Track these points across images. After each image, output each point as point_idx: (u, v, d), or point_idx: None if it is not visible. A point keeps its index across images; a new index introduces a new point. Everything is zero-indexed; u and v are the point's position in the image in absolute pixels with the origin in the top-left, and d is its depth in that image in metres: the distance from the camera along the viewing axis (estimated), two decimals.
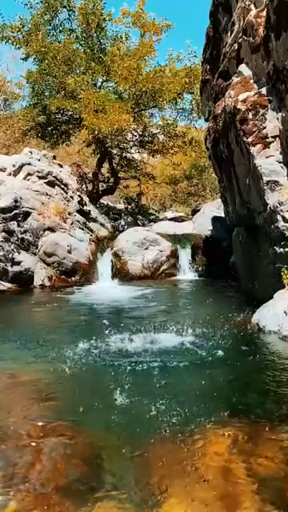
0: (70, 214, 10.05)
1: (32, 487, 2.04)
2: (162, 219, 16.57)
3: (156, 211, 20.38)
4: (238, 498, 1.97)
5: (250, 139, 5.76)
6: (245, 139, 5.83)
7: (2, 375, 3.55)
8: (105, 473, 2.19)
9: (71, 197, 10.59)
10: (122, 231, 11.60)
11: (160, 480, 2.10)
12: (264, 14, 5.77)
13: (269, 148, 5.64)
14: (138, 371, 3.59)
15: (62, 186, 10.39)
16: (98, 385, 3.36)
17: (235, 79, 6.47)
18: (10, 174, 9.71)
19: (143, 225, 14.52)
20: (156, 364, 3.74)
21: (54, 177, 10.18)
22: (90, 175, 16.17)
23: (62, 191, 10.34)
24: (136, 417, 2.77)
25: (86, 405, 2.94)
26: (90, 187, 15.71)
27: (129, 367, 3.66)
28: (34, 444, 2.42)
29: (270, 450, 2.34)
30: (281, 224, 5.22)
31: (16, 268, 8.38)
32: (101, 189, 16.41)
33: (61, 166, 11.20)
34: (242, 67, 6.39)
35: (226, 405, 2.96)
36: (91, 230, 10.72)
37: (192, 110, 15.10)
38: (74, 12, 14.17)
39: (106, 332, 4.77)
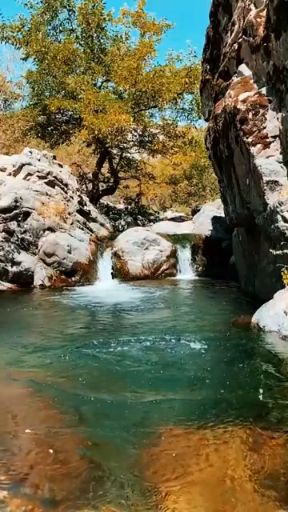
0: (69, 214, 10.04)
1: (31, 491, 2.04)
2: (162, 219, 16.57)
3: (156, 211, 20.37)
4: (239, 498, 1.96)
5: (250, 139, 5.76)
6: (245, 139, 5.83)
7: None
8: (106, 478, 2.18)
9: (71, 197, 10.59)
10: (122, 231, 11.59)
11: (161, 479, 2.10)
12: (264, 13, 5.77)
13: (269, 148, 5.64)
14: (137, 374, 3.59)
15: (62, 186, 10.38)
16: (96, 388, 3.33)
17: (235, 79, 6.47)
18: (10, 174, 9.71)
19: (143, 225, 14.51)
20: (156, 364, 3.74)
21: (54, 177, 10.17)
22: (90, 175, 16.17)
23: (62, 191, 10.33)
24: (136, 418, 2.77)
25: (82, 408, 2.93)
26: (90, 187, 15.71)
27: (128, 369, 3.66)
28: (29, 447, 2.42)
29: (272, 450, 2.33)
30: (281, 224, 5.22)
31: (16, 268, 8.38)
32: (101, 189, 16.41)
33: (61, 166, 11.19)
34: (242, 67, 6.39)
35: (227, 405, 2.96)
36: (91, 230, 10.71)
37: (192, 110, 15.10)
38: (74, 12, 14.19)
39: (106, 334, 4.77)
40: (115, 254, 9.90)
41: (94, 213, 12.07)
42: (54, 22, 14.33)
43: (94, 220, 11.68)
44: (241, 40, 6.34)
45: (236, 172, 6.63)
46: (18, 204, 8.79)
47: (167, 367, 3.64)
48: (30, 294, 7.99)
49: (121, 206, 19.10)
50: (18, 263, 8.43)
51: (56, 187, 10.17)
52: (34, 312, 6.50)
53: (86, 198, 11.88)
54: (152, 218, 17.24)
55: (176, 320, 5.73)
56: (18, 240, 8.60)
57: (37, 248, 8.90)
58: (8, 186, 9.04)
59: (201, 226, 11.67)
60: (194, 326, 5.26)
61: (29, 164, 9.89)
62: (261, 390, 3.14)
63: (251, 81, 6.19)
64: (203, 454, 2.29)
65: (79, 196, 11.12)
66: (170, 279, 9.86)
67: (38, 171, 9.92)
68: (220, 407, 2.89)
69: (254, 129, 5.75)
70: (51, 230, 9.17)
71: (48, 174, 10.06)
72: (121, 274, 9.68)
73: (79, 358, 3.93)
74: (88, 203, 11.81)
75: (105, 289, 8.53)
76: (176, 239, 10.81)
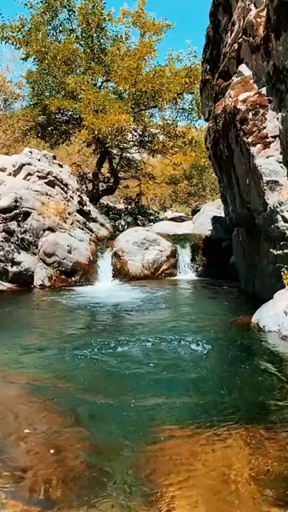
0: (69, 214, 10.04)
1: (30, 492, 2.03)
2: (162, 219, 16.56)
3: (156, 211, 20.37)
4: (241, 500, 1.96)
5: (250, 139, 5.76)
6: (245, 139, 5.82)
7: None
8: (107, 476, 2.17)
9: (71, 197, 10.58)
10: (122, 231, 11.59)
11: (162, 481, 2.09)
12: (264, 13, 5.77)
13: (269, 148, 5.63)
14: (138, 374, 3.58)
15: (62, 186, 10.38)
16: (96, 389, 3.32)
17: (235, 79, 6.46)
18: (10, 174, 9.70)
19: (143, 225, 14.51)
20: (156, 365, 3.74)
21: (54, 177, 10.16)
22: (90, 175, 16.16)
23: (62, 191, 10.32)
24: (136, 419, 2.76)
25: (82, 410, 2.92)
26: (90, 187, 15.70)
27: (129, 370, 3.65)
28: (28, 448, 2.41)
29: (275, 452, 2.33)
30: (281, 224, 5.22)
31: (16, 268, 8.37)
32: (101, 189, 16.40)
33: (61, 166, 11.19)
34: (242, 67, 6.39)
35: (228, 406, 2.95)
36: (91, 230, 10.70)
37: (192, 110, 15.10)
38: (74, 12, 14.19)
39: (106, 335, 4.75)
40: (115, 254, 9.89)
41: (94, 213, 12.07)
42: (54, 22, 14.33)
43: (94, 220, 11.67)
44: (241, 40, 6.33)
45: (236, 172, 6.63)
46: (18, 204, 8.78)
47: (168, 368, 3.63)
48: (30, 294, 7.98)
49: (121, 206, 19.10)
50: (18, 263, 8.42)
51: (56, 187, 10.17)
52: (33, 312, 6.50)
53: (86, 198, 11.88)
54: (152, 218, 17.24)
55: (176, 320, 5.73)
56: (17, 240, 8.60)
57: (37, 248, 8.90)
58: (8, 186, 9.03)
59: (201, 225, 11.67)
60: (194, 327, 5.26)
61: (29, 164, 9.89)
62: (262, 391, 3.13)
63: (251, 81, 6.18)
64: (204, 456, 2.29)
65: (79, 196, 11.11)
66: (170, 279, 9.86)
67: (37, 171, 9.91)
68: (221, 408, 2.88)
69: (254, 129, 5.75)
70: (51, 230, 9.16)
71: (48, 174, 10.06)
72: (121, 274, 9.67)
73: (79, 358, 3.92)
74: (88, 203, 11.81)
75: (105, 289, 8.52)
76: (176, 239, 10.80)
